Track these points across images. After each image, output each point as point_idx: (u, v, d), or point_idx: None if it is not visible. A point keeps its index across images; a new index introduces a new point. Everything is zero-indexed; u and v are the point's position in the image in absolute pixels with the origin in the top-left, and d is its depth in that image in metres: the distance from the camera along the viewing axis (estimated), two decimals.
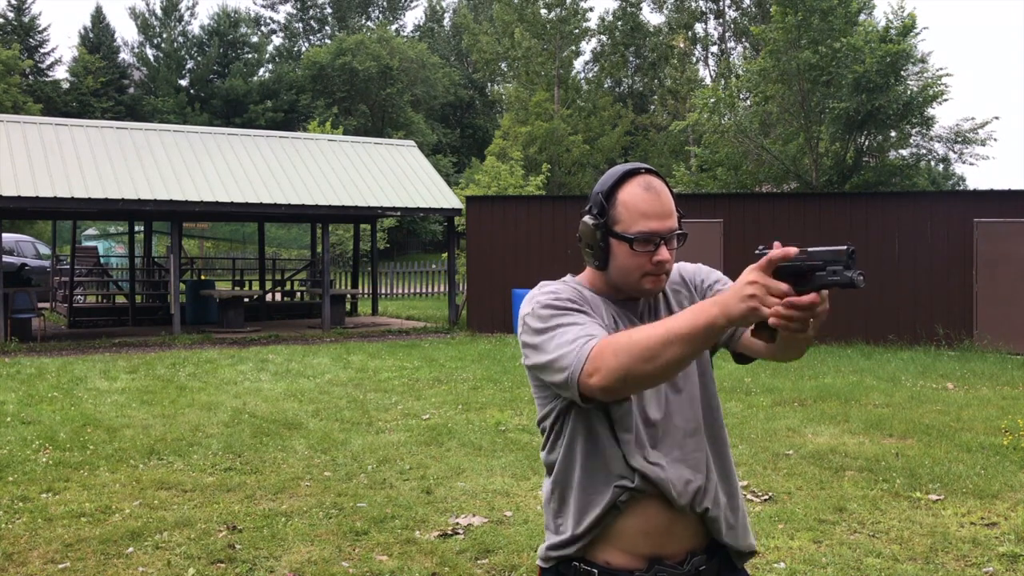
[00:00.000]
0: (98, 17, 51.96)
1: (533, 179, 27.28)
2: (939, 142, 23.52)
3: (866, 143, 23.09)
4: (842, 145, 22.60)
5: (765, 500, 5.79)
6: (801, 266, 1.59)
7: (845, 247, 1.57)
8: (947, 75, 21.68)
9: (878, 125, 21.51)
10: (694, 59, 45.02)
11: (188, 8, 55.23)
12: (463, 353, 13.47)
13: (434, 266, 28.89)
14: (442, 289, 27.40)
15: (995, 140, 43.75)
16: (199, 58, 53.04)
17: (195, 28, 55.10)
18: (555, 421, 1.91)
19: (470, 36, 49.22)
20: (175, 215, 15.90)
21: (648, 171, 1.87)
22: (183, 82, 51.96)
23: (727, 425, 2.02)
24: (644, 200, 1.84)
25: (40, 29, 49.97)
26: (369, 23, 59.77)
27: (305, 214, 17.40)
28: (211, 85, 51.42)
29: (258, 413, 8.67)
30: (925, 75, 22.02)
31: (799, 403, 9.23)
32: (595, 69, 47.46)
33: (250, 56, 54.59)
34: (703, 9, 44.91)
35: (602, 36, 45.53)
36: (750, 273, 1.57)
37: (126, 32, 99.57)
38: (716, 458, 1.92)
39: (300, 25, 61.84)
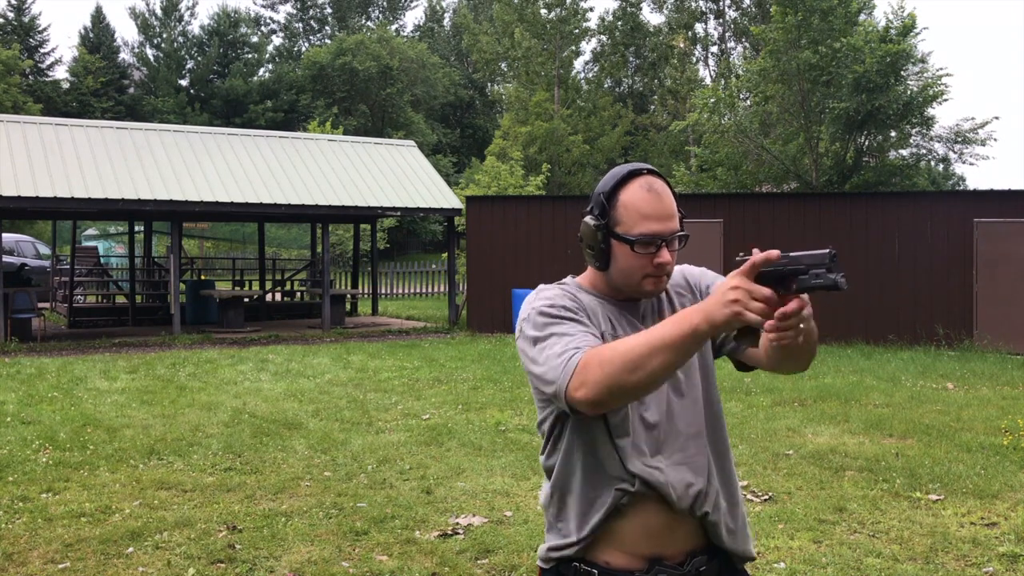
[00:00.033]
0: (98, 17, 51.97)
1: (533, 179, 27.28)
2: (939, 142, 23.53)
3: (866, 143, 23.10)
4: (842, 145, 22.61)
5: (765, 500, 5.79)
6: (783, 270, 1.59)
7: (827, 250, 1.57)
8: (947, 75, 21.71)
9: (878, 125, 21.52)
10: (694, 59, 45.02)
11: (188, 8, 55.25)
12: (463, 353, 13.47)
13: (434, 266, 28.89)
14: (442, 289, 27.40)
15: (995, 140, 43.78)
16: (199, 58, 53.05)
17: (195, 28, 55.17)
18: (553, 425, 1.91)
19: (470, 36, 49.22)
20: (175, 215, 15.90)
21: (650, 172, 1.87)
22: (183, 82, 51.97)
23: (727, 426, 2.02)
24: (646, 202, 1.83)
25: (40, 29, 49.98)
26: (369, 23, 59.77)
27: (305, 214, 17.40)
28: (211, 85, 51.42)
29: (258, 413, 8.67)
30: (925, 75, 22.02)
31: (799, 403, 9.23)
32: (595, 69, 47.47)
33: (250, 56, 54.59)
34: (703, 9, 44.92)
35: (602, 36, 45.54)
36: (733, 279, 1.58)
37: (126, 32, 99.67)
38: (717, 462, 1.92)
39: (300, 25, 61.85)
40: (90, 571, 4.57)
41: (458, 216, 18.63)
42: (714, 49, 45.82)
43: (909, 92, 21.15)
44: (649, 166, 1.88)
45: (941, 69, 34.83)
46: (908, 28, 21.16)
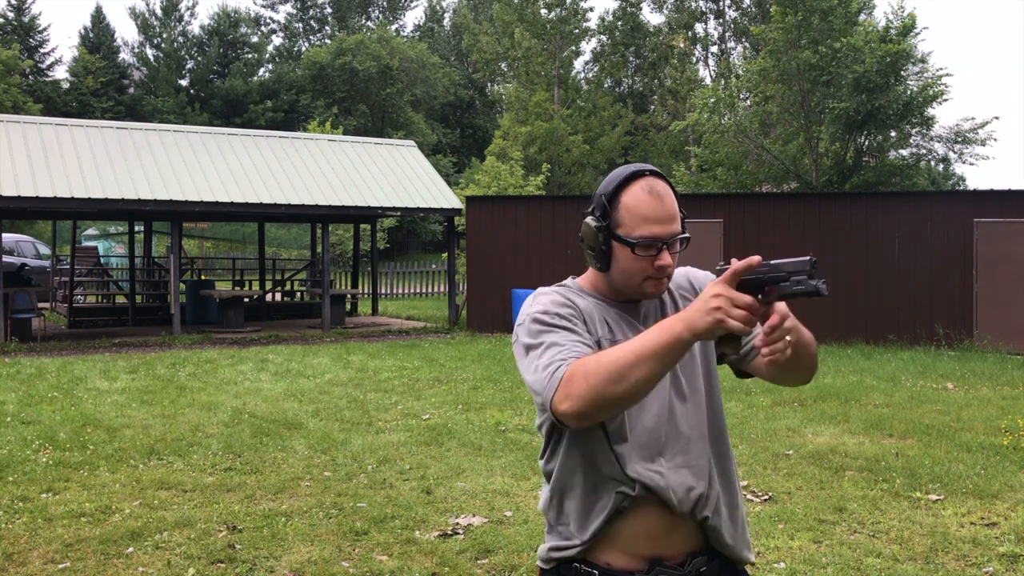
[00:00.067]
0: (98, 17, 51.97)
1: (533, 179, 27.28)
2: (939, 142, 23.53)
3: (866, 143, 23.09)
4: (842, 145, 22.61)
5: (765, 500, 5.79)
6: (764, 278, 1.61)
7: (808, 257, 1.59)
8: (947, 75, 21.71)
9: (878, 125, 21.52)
10: (694, 59, 45.03)
11: (188, 8, 55.26)
12: (463, 353, 13.47)
13: (434, 266, 28.89)
14: (442, 289, 27.40)
15: (995, 140, 43.78)
16: (199, 58, 53.05)
17: (195, 28, 55.18)
18: (552, 430, 1.91)
19: (470, 36, 49.22)
20: (175, 215, 15.90)
21: (652, 173, 1.86)
22: (183, 82, 51.97)
23: (727, 426, 2.02)
24: (647, 204, 1.82)
25: (40, 29, 49.99)
26: (369, 23, 59.77)
27: (305, 214, 17.40)
28: (211, 85, 51.43)
29: (258, 413, 8.67)
30: (925, 75, 22.02)
31: (799, 403, 9.23)
32: (595, 69, 47.47)
33: (250, 56, 54.60)
34: (703, 9, 44.92)
35: (602, 36, 45.54)
36: (715, 287, 1.59)
37: (126, 32, 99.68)
38: (719, 466, 1.91)
39: (300, 25, 61.86)
40: (90, 571, 4.57)
41: (458, 216, 18.63)
42: (714, 49, 45.86)
43: (909, 92, 21.15)
44: (652, 167, 1.87)
45: (941, 69, 34.87)
46: (908, 28, 21.16)
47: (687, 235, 1.87)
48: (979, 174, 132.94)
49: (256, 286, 22.16)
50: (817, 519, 5.38)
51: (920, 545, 4.93)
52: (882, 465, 6.63)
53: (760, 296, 1.61)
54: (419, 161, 19.65)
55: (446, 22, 63.89)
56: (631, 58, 47.54)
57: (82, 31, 52.53)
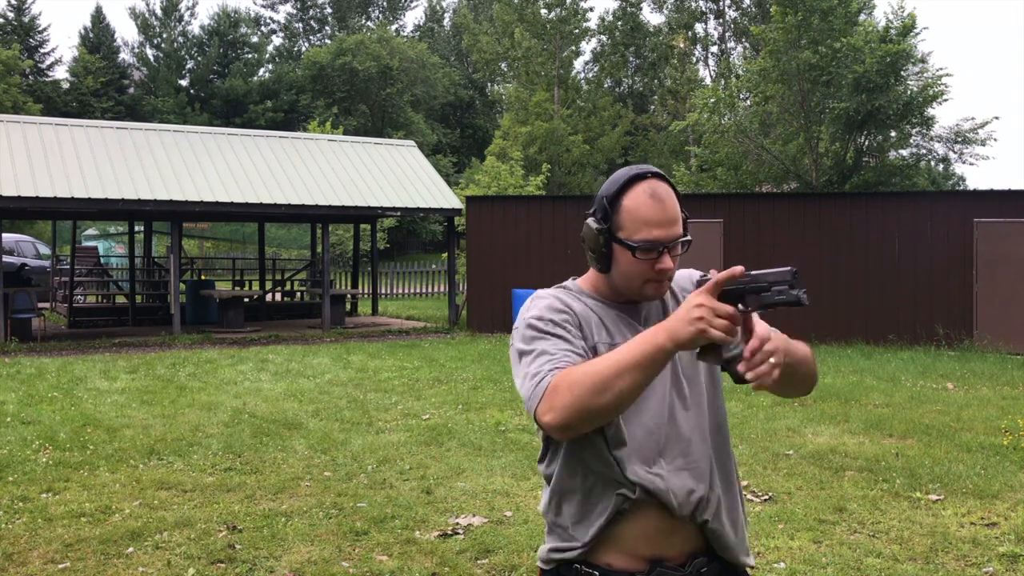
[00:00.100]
0: (98, 17, 51.98)
1: (533, 179, 27.28)
2: (939, 142, 23.53)
3: (866, 143, 23.09)
4: (842, 145, 22.61)
5: (765, 500, 5.79)
6: (746, 288, 1.63)
7: (789, 268, 1.62)
8: (947, 75, 21.70)
9: (878, 125, 21.52)
10: (694, 59, 45.03)
11: (188, 8, 55.27)
12: (463, 353, 13.47)
13: (434, 266, 28.89)
14: (442, 289, 27.40)
15: (995, 140, 43.77)
16: (199, 58, 53.06)
17: (195, 28, 55.20)
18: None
19: (470, 36, 49.22)
20: (175, 215, 15.90)
21: (654, 175, 1.85)
22: (183, 82, 51.97)
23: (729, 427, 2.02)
24: (648, 207, 1.82)
25: (40, 29, 49.99)
26: (369, 23, 59.78)
27: (305, 214, 17.40)
28: (211, 85, 51.43)
29: (258, 413, 8.67)
30: (925, 75, 22.02)
31: (799, 403, 9.23)
32: (595, 69, 47.47)
33: (250, 56, 54.60)
34: (703, 9, 44.92)
35: (602, 36, 45.54)
36: (696, 297, 1.60)
37: (126, 32, 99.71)
38: (720, 469, 1.91)
39: (300, 25, 61.86)
40: (90, 571, 4.57)
41: (458, 216, 18.63)
42: (714, 49, 45.86)
43: (909, 92, 21.15)
44: (654, 169, 1.86)
45: (941, 69, 34.88)
46: (908, 28, 21.16)
47: (688, 238, 1.86)
48: (979, 174, 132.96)
49: (256, 286, 22.16)
50: (817, 519, 5.38)
51: (920, 545, 4.93)
52: (882, 465, 6.63)
53: (741, 306, 1.64)
54: (419, 161, 19.65)
55: (446, 22, 63.90)
56: (631, 58, 47.53)
57: (82, 31, 52.59)
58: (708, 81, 41.81)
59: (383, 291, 26.30)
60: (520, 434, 7.75)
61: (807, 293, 1.62)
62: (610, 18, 45.14)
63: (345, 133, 35.44)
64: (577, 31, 41.70)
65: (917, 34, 21.38)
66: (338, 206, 16.79)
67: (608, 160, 42.39)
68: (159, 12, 53.88)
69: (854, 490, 5.99)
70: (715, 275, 1.61)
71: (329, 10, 60.98)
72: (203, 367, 11.88)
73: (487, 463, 6.74)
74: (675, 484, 1.82)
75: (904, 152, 24.41)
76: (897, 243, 14.78)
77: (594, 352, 1.82)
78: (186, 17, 54.65)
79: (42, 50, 49.66)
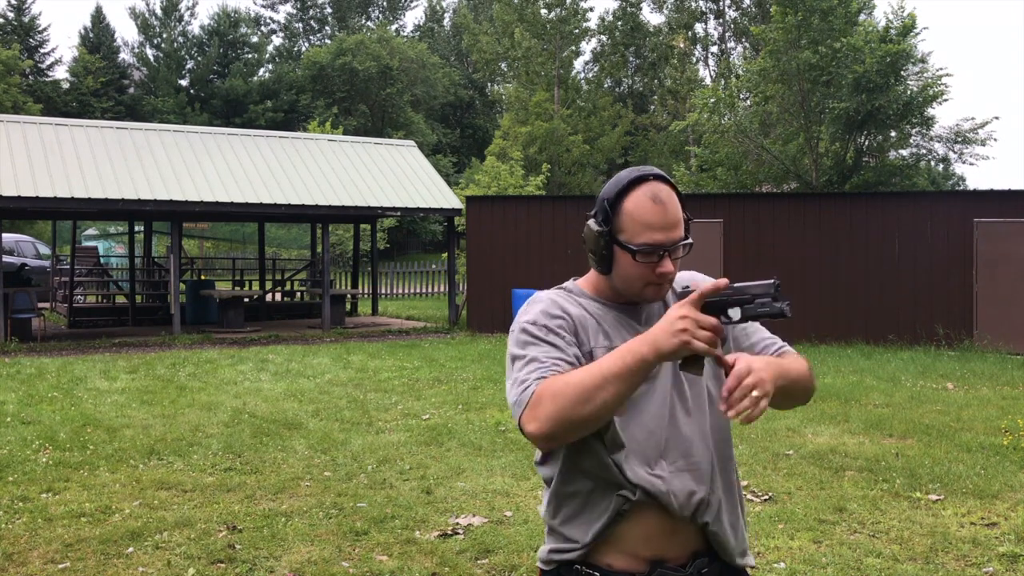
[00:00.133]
0: (98, 17, 51.98)
1: (533, 179, 27.28)
2: (939, 142, 23.54)
3: (866, 143, 23.09)
4: (842, 145, 22.61)
5: (765, 500, 5.79)
6: (729, 300, 1.66)
7: (772, 280, 1.66)
8: (947, 75, 21.71)
9: (878, 125, 21.52)
10: (694, 59, 45.02)
11: (188, 8, 55.26)
12: (463, 353, 13.47)
13: (434, 266, 28.89)
14: (442, 289, 27.40)
15: (995, 140, 43.78)
16: (199, 58, 53.06)
17: (195, 28, 55.19)
18: None
19: (470, 36, 49.21)
20: (175, 215, 15.90)
21: (657, 178, 1.84)
22: (183, 82, 51.97)
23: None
24: (649, 211, 1.81)
25: (40, 29, 49.98)
26: (369, 23, 59.77)
27: (305, 214, 17.40)
28: (211, 85, 51.43)
29: (258, 413, 8.67)
30: (925, 75, 22.02)
31: None
32: (595, 69, 47.46)
33: (250, 56, 54.60)
34: (703, 9, 44.92)
35: (602, 36, 45.53)
36: (680, 308, 1.62)
37: (126, 32, 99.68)
38: (721, 471, 1.90)
39: (300, 25, 61.86)
40: (90, 571, 4.57)
41: (458, 216, 18.63)
42: (714, 49, 45.86)
43: (909, 92, 21.15)
44: (656, 171, 1.85)
45: (941, 69, 34.86)
46: (908, 28, 21.16)
47: (689, 241, 1.86)
48: (979, 174, 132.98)
49: (256, 286, 22.16)
50: (817, 519, 5.38)
51: (920, 545, 4.93)
52: (882, 465, 6.63)
53: (723, 317, 1.67)
54: (419, 161, 19.65)
55: (446, 22, 63.90)
56: (631, 58, 47.53)
57: (82, 31, 52.58)
58: (708, 81, 41.82)
59: (383, 291, 26.31)
60: (520, 434, 7.74)
61: (790, 304, 1.65)
62: (610, 18, 45.15)
63: (345, 133, 35.43)
64: (577, 31, 41.69)
65: (917, 34, 21.40)
66: (338, 206, 16.79)
67: (608, 160, 42.37)
68: (159, 12, 53.89)
69: (854, 490, 5.99)
70: (696, 285, 1.62)
71: (329, 10, 60.98)
72: (203, 367, 11.88)
73: (487, 463, 6.74)
74: (676, 486, 1.82)
75: (904, 152, 24.42)
76: (897, 243, 14.78)
77: (590, 357, 1.82)
78: (186, 17, 54.67)
79: (42, 50, 49.66)
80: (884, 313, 14.69)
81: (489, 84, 54.38)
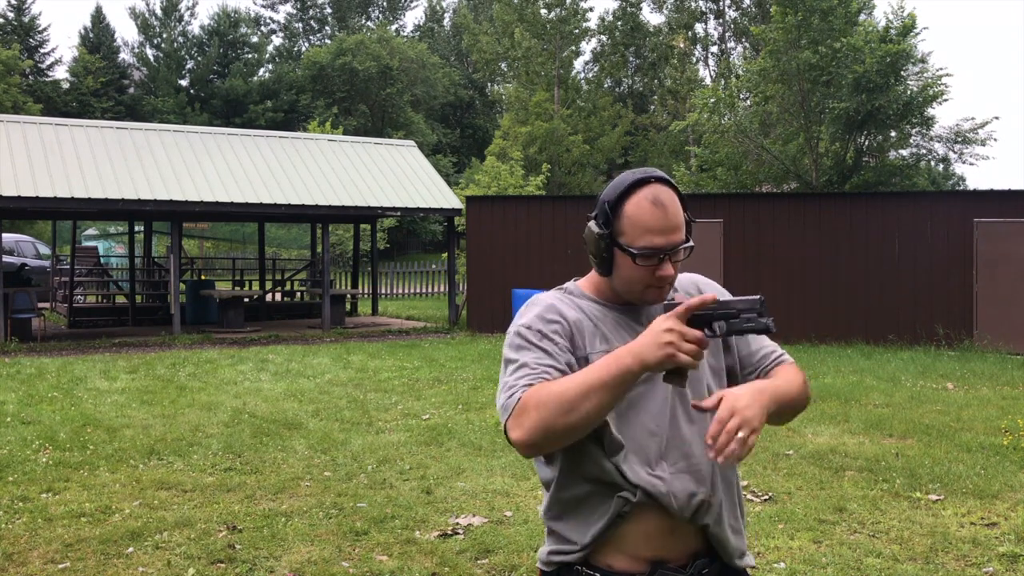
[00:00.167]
0: (98, 17, 51.98)
1: (533, 179, 27.27)
2: (939, 142, 23.53)
3: (866, 143, 23.10)
4: (842, 145, 22.61)
5: (765, 500, 5.79)
6: (715, 314, 1.69)
7: (757, 297, 1.70)
8: (947, 75, 21.71)
9: (878, 125, 21.52)
10: (694, 59, 45.02)
11: (188, 8, 55.26)
12: (463, 353, 13.47)
13: (434, 266, 28.89)
14: (442, 289, 27.40)
15: (995, 140, 43.76)
16: (199, 58, 53.06)
17: (195, 28, 55.19)
18: None
19: (470, 36, 49.21)
20: (175, 215, 15.90)
21: (658, 180, 1.83)
22: (183, 82, 51.97)
23: None
24: (650, 215, 1.80)
25: (40, 29, 49.99)
26: (369, 23, 59.78)
27: (305, 214, 17.40)
28: (211, 85, 51.43)
29: (258, 413, 8.67)
30: (925, 75, 22.03)
31: None
32: (595, 69, 47.46)
33: (250, 56, 54.60)
34: (703, 9, 44.92)
35: (602, 36, 45.53)
36: (666, 321, 1.64)
37: (126, 32, 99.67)
38: (722, 473, 1.90)
39: (300, 25, 61.86)
40: (90, 571, 4.57)
41: (458, 216, 18.63)
42: (714, 49, 45.86)
43: (909, 92, 21.15)
44: (658, 173, 1.84)
45: (941, 69, 34.87)
46: (908, 28, 21.16)
47: (691, 244, 1.85)
48: (979, 174, 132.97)
49: (256, 286, 22.16)
50: (817, 519, 5.38)
51: (920, 545, 4.93)
52: (882, 465, 6.63)
53: (708, 331, 1.69)
54: (419, 161, 19.65)
55: (446, 22, 63.90)
56: (631, 58, 47.53)
57: (82, 31, 52.58)
58: (708, 81, 41.81)
59: (383, 291, 26.31)
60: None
61: (773, 321, 1.70)
62: (610, 18, 45.15)
63: (345, 133, 35.44)
64: (577, 31, 41.69)
65: (917, 34, 21.39)
66: (338, 206, 16.79)
67: (608, 160, 42.36)
68: (159, 12, 53.90)
69: (854, 490, 5.99)
70: (680, 297, 1.63)
71: (329, 10, 60.98)
72: (203, 367, 11.88)
73: (487, 463, 6.74)
74: (676, 487, 1.82)
75: (904, 152, 24.42)
76: (897, 243, 14.78)
77: (585, 363, 1.81)
78: (186, 17, 54.67)
79: (42, 50, 49.66)
80: (884, 313, 14.69)
81: (489, 84, 54.38)
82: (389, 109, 48.09)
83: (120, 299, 20.27)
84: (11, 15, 48.73)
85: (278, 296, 22.13)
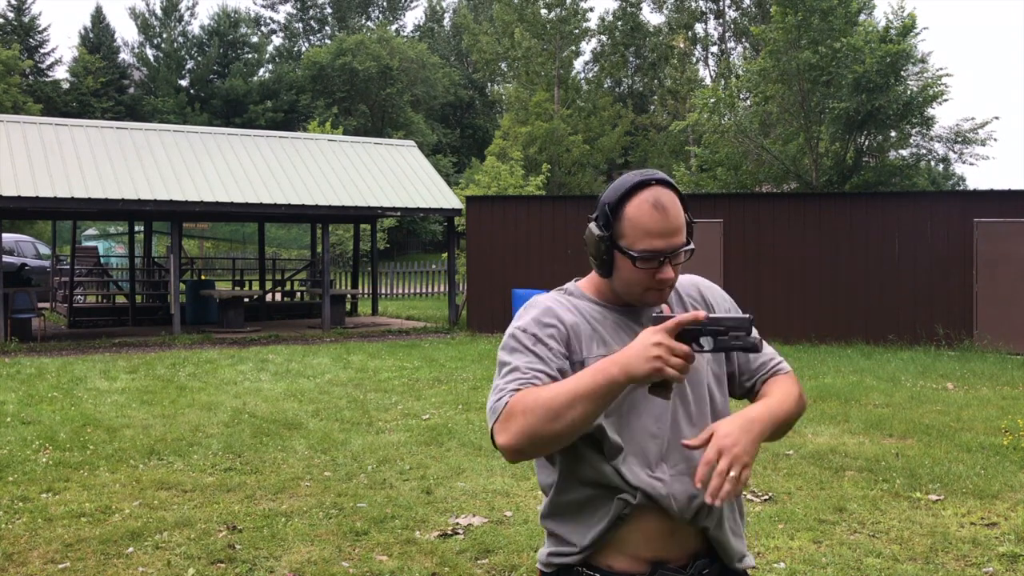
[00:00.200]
0: (98, 17, 51.97)
1: (533, 179, 27.27)
2: (939, 142, 23.53)
3: (866, 143, 23.09)
4: (842, 145, 22.61)
5: (765, 500, 5.79)
6: (703, 330, 1.71)
7: (747, 316, 1.74)
8: (947, 75, 21.70)
9: (878, 125, 21.52)
10: (694, 59, 45.02)
11: (188, 8, 55.26)
12: (463, 353, 13.47)
13: (434, 266, 28.89)
14: (442, 289, 27.40)
15: (995, 140, 43.75)
16: (199, 58, 53.05)
17: (195, 28, 55.19)
18: None
19: (470, 36, 49.21)
20: (175, 215, 15.90)
21: (659, 182, 1.82)
22: (183, 82, 51.97)
23: None
24: (650, 218, 1.79)
25: (40, 29, 49.98)
26: (369, 23, 59.78)
27: (305, 214, 17.40)
28: (211, 85, 51.43)
29: (258, 413, 8.67)
30: (925, 75, 22.02)
31: None
32: (595, 69, 47.46)
33: (250, 56, 54.60)
34: (703, 9, 44.91)
35: (602, 36, 45.52)
36: (655, 334, 1.65)
37: (126, 32, 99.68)
38: None
39: (300, 25, 61.86)
40: (90, 571, 4.57)
41: (458, 216, 18.63)
42: (714, 49, 45.85)
43: (909, 92, 21.15)
44: (659, 175, 1.83)
45: (941, 69, 34.84)
46: (908, 28, 21.16)
47: (691, 246, 1.85)
48: (979, 174, 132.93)
49: (256, 286, 22.16)
50: (817, 519, 5.38)
51: (920, 545, 4.93)
52: (882, 465, 6.63)
53: (695, 345, 1.71)
54: (419, 161, 19.65)
55: (446, 22, 63.90)
56: (631, 58, 47.53)
57: (82, 31, 52.58)
58: (708, 81, 41.81)
59: (383, 291, 26.31)
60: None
61: (762, 341, 1.76)
62: (610, 18, 45.14)
63: (345, 133, 35.44)
64: (577, 31, 41.69)
65: (917, 34, 21.39)
66: (338, 206, 16.79)
67: (608, 160, 42.36)
68: (159, 12, 53.89)
69: (854, 490, 5.99)
70: (668, 311, 1.64)
71: (329, 10, 60.98)
72: (203, 367, 11.88)
73: (487, 463, 6.74)
74: (676, 489, 1.82)
75: (904, 152, 24.42)
76: (897, 243, 14.78)
77: (582, 367, 1.80)
78: (186, 17, 54.67)
79: (42, 50, 49.65)
80: (884, 313, 14.69)
81: (489, 84, 54.38)
82: (389, 109, 48.09)
83: (120, 299, 20.27)
84: (11, 15, 48.74)
85: (278, 296, 22.13)
